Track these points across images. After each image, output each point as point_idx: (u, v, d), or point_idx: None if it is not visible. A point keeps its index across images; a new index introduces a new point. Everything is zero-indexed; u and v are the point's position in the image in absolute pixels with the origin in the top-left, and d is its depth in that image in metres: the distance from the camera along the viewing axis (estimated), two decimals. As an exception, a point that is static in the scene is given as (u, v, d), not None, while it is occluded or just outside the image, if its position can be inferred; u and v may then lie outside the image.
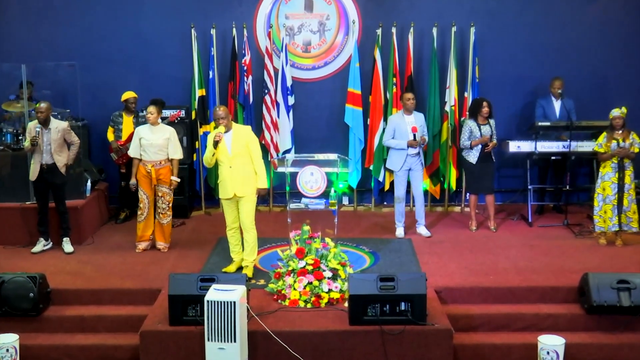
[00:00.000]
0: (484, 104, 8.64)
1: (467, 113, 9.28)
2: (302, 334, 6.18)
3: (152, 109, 8.03)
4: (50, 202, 8.22)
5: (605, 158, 8.16)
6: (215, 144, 7.11)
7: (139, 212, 8.22)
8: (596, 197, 8.31)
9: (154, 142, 8.01)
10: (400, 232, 8.76)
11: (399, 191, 8.72)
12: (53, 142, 7.97)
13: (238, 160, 7.18)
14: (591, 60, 9.96)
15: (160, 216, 8.18)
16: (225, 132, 7.16)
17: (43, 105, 7.96)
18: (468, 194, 9.31)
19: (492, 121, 8.73)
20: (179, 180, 8.22)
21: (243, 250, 7.44)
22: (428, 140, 8.88)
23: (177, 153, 8.17)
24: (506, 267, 7.57)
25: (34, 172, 8.04)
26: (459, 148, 9.35)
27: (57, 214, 8.23)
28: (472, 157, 8.77)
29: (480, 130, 8.66)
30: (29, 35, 9.90)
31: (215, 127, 7.23)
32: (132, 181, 8.14)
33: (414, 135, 8.41)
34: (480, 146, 8.66)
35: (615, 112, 8.11)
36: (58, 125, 8.06)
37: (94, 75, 9.78)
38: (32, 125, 7.98)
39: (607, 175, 8.19)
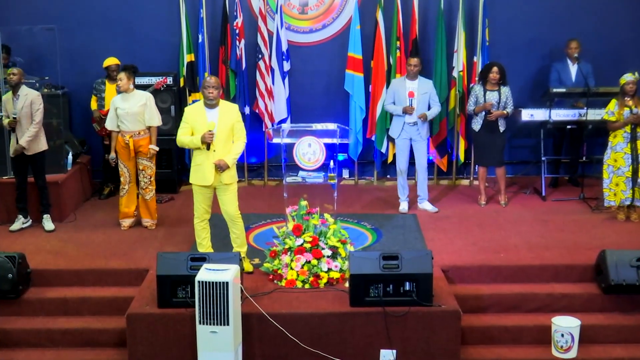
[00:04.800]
0: (494, 69, 8.57)
1: (478, 78, 9.23)
2: (299, 316, 6.20)
3: (121, 75, 7.97)
4: (29, 177, 8.18)
5: (617, 127, 8.10)
6: (207, 145, 6.76)
7: (120, 187, 8.22)
8: (606, 169, 8.26)
9: (129, 111, 7.94)
10: (404, 206, 8.76)
11: (399, 162, 8.70)
12: (18, 110, 7.89)
13: (222, 143, 6.84)
14: (610, 20, 9.85)
15: (143, 191, 8.15)
16: (211, 108, 6.84)
17: (16, 70, 7.93)
18: (477, 166, 9.29)
19: (504, 88, 8.64)
20: (157, 149, 8.13)
21: (234, 243, 7.15)
22: (436, 113, 8.78)
23: (154, 120, 8.10)
24: (517, 244, 7.58)
25: (12, 146, 8.01)
26: (467, 116, 9.33)
27: (37, 189, 8.21)
28: (476, 124, 8.75)
29: (485, 96, 8.61)
30: (3, -4, 9.82)
31: (204, 97, 6.84)
32: (111, 155, 8.14)
33: (411, 101, 8.37)
34: (483, 113, 8.63)
35: (629, 77, 8.05)
36: (28, 93, 7.97)
37: (75, 40, 9.69)
38: (7, 99, 7.92)
39: (618, 145, 8.14)
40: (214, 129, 6.75)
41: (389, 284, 6.17)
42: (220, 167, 6.80)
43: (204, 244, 7.11)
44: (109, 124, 8.08)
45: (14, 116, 7.87)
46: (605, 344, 6.47)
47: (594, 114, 8.96)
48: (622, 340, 6.49)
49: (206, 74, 6.87)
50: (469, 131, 9.64)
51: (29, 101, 7.92)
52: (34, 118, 7.94)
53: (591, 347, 6.40)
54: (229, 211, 6.99)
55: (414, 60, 8.50)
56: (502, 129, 8.71)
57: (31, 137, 7.93)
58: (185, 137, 6.92)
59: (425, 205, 8.79)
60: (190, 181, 7.01)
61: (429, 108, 8.57)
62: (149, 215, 8.26)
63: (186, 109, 7.08)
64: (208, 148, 6.78)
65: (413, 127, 8.50)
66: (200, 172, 6.89)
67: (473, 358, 6.33)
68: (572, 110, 9.17)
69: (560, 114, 9.17)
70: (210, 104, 6.83)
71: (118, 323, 6.43)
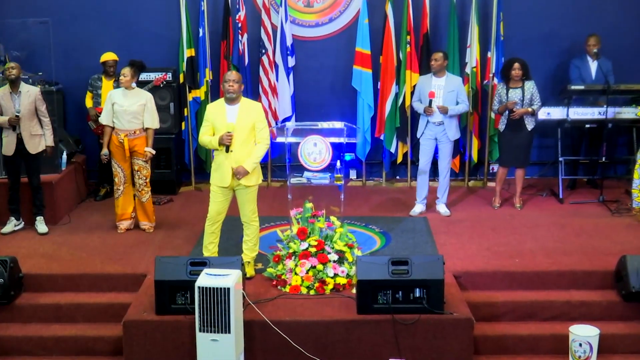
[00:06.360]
0: (515, 65, 8.52)
1: (492, 75, 9.21)
2: (304, 324, 6.19)
3: (126, 70, 7.97)
4: (22, 177, 8.19)
5: None
6: (226, 147, 6.73)
7: (114, 188, 8.21)
8: (637, 170, 8.24)
9: (127, 109, 7.94)
10: (417, 209, 8.74)
11: (421, 163, 8.67)
12: (23, 107, 7.91)
13: (241, 143, 6.78)
14: (630, 15, 9.84)
15: (139, 193, 8.15)
16: (232, 104, 6.80)
17: (14, 64, 7.94)
18: (497, 166, 9.25)
19: (529, 84, 8.56)
20: (154, 152, 8.13)
21: (244, 246, 7.10)
22: (461, 111, 8.59)
23: (154, 122, 8.09)
24: (533, 249, 7.55)
25: (8, 145, 7.99)
26: (480, 115, 9.31)
27: (30, 190, 8.21)
28: (501, 124, 8.73)
29: (507, 94, 8.58)
30: (-5, -12, 9.85)
31: (225, 92, 6.79)
32: (104, 151, 8.09)
33: (430, 102, 8.34)
34: (507, 112, 8.59)
35: None
36: (29, 90, 8.01)
37: (70, 34, 9.72)
38: (2, 94, 7.93)
39: None
40: (233, 131, 6.72)
41: (398, 291, 6.15)
42: (239, 173, 6.78)
43: (210, 249, 7.09)
44: (104, 119, 8.05)
45: (17, 114, 7.87)
46: (626, 354, 6.44)
47: (614, 113, 8.94)
48: (643, 350, 6.48)
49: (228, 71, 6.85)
50: (482, 130, 9.63)
51: (32, 98, 7.96)
52: (41, 115, 8.02)
53: (611, 358, 6.37)
54: (245, 213, 6.98)
55: (436, 55, 8.45)
56: (530, 127, 8.66)
57: (52, 133, 8.10)
58: (206, 137, 6.92)
59: (440, 207, 8.78)
60: (210, 181, 7.01)
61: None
62: (147, 218, 8.26)
63: (207, 107, 7.10)
64: (227, 150, 6.77)
65: (439, 127, 8.46)
66: (220, 173, 6.87)
67: (486, 368, 6.33)
68: (592, 109, 9.15)
69: (578, 113, 9.15)
70: (231, 99, 6.80)
71: (114, 330, 6.42)
